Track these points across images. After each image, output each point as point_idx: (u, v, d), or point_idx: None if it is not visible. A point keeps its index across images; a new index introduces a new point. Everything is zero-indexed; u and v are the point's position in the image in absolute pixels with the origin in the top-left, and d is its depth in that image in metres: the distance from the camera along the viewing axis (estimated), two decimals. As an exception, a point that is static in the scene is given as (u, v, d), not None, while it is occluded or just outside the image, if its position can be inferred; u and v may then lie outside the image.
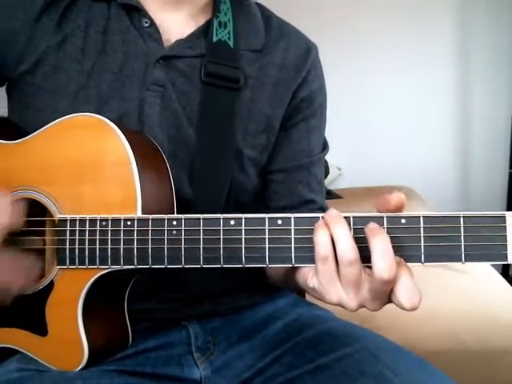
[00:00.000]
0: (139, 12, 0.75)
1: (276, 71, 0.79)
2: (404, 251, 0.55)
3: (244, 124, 0.77)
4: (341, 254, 0.54)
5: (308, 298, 1.01)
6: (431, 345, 1.26)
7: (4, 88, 0.79)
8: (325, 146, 0.86)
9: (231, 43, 0.77)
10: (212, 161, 0.74)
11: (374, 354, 0.69)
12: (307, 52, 0.82)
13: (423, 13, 2.83)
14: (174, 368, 0.76)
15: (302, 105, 0.81)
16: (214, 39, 0.76)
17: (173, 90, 0.74)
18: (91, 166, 0.66)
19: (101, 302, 0.67)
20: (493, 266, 1.78)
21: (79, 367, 0.66)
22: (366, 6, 2.80)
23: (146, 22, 0.75)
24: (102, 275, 0.64)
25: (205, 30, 0.77)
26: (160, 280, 0.75)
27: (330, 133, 0.87)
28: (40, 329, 0.67)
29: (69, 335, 0.65)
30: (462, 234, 0.54)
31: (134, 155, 0.64)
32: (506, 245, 0.53)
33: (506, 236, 0.53)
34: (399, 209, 0.55)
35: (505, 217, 0.53)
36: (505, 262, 0.53)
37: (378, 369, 0.66)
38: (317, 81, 0.83)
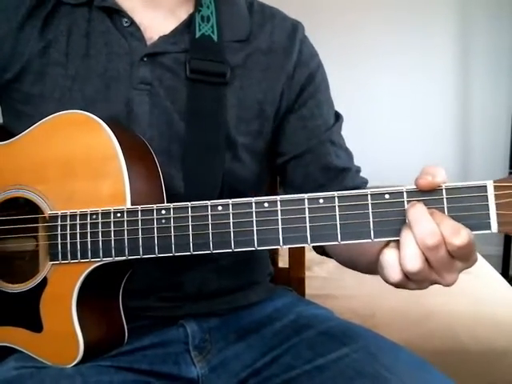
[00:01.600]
0: (118, 13, 0.75)
1: (263, 57, 0.79)
2: (388, 225, 0.56)
3: (235, 112, 0.77)
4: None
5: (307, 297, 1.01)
6: (431, 345, 1.26)
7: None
8: (338, 116, 0.85)
9: (215, 37, 0.76)
10: (203, 155, 0.74)
11: (373, 353, 0.68)
12: (293, 32, 0.81)
13: (423, 13, 2.84)
14: (170, 366, 0.76)
15: (305, 85, 0.80)
16: (197, 35, 0.76)
17: (160, 87, 0.74)
18: (80, 162, 0.67)
19: (95, 297, 0.68)
20: (493, 266, 1.78)
21: (75, 362, 0.66)
22: (366, 6, 2.82)
23: (126, 22, 0.75)
24: (94, 268, 0.65)
25: (188, 25, 0.77)
26: (158, 278, 0.76)
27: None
28: (35, 325, 0.68)
29: (64, 330, 0.66)
30: (445, 206, 0.54)
31: (122, 149, 0.65)
32: (489, 213, 0.53)
33: (487, 205, 0.53)
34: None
35: (486, 186, 0.54)
36: (488, 231, 0.54)
37: (375, 369, 0.66)
38: (311, 58, 0.82)
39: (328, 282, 1.54)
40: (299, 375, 0.70)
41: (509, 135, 2.74)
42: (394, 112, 2.90)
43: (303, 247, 1.06)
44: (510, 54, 2.85)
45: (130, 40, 0.75)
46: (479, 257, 1.95)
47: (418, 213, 0.53)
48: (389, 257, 0.55)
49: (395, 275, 0.54)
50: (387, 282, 0.57)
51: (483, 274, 1.64)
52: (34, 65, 0.74)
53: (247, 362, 0.76)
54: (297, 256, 1.06)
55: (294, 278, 1.04)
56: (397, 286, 0.57)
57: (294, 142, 0.81)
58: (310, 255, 1.07)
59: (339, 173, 0.82)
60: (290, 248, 1.07)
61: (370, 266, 0.68)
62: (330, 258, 0.84)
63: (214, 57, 0.76)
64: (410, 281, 0.55)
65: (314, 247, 0.88)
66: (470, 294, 1.45)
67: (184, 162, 0.74)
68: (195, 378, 0.76)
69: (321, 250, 0.84)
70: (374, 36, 2.83)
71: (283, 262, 1.10)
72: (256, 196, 0.79)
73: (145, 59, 0.75)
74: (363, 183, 0.84)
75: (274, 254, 1.09)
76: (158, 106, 0.74)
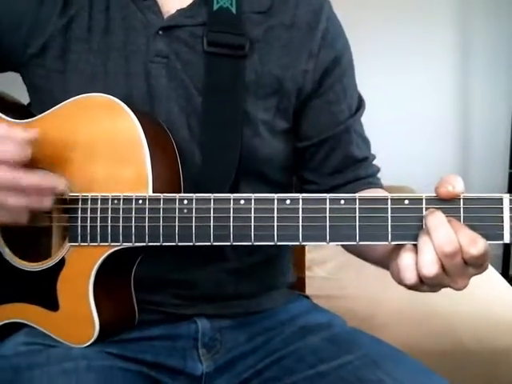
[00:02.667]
0: None
1: (285, 32, 0.76)
2: (406, 230, 0.58)
3: (254, 88, 0.75)
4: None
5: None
6: (431, 345, 1.27)
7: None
8: (360, 102, 0.84)
9: (233, 9, 0.75)
10: (221, 130, 0.73)
11: (375, 360, 0.69)
12: (320, 8, 0.78)
13: (423, 13, 2.82)
14: (176, 360, 0.76)
15: (330, 67, 0.78)
16: (215, 7, 0.74)
17: (177, 60, 0.74)
18: (103, 146, 0.67)
19: (110, 279, 0.69)
20: (493, 266, 1.81)
21: (89, 342, 0.68)
22: (365, 5, 2.80)
23: None
24: (112, 253, 0.66)
25: None
26: (174, 274, 0.75)
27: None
28: (51, 304, 0.69)
29: (80, 311, 0.67)
30: (462, 215, 0.57)
31: (145, 135, 0.66)
32: (503, 225, 0.56)
33: (502, 217, 0.56)
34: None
35: (502, 199, 0.56)
36: (501, 242, 0.57)
37: (377, 376, 0.67)
38: (339, 39, 0.80)
39: (328, 282, 1.52)
40: (300, 380, 0.71)
41: (509, 135, 2.74)
42: (393, 112, 2.88)
43: (304, 247, 1.07)
44: (510, 54, 2.86)
45: (147, 14, 0.75)
46: None
47: (437, 220, 0.55)
48: (406, 260, 0.57)
49: (412, 278, 0.57)
50: (401, 283, 0.59)
51: (483, 274, 1.65)
52: (58, 40, 0.74)
53: (250, 364, 0.76)
54: (297, 256, 1.05)
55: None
56: (410, 287, 0.59)
57: (319, 126, 0.79)
58: (310, 255, 1.07)
59: (357, 162, 0.82)
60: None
61: (378, 263, 0.71)
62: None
63: (233, 29, 0.74)
64: (423, 284, 0.58)
65: None
66: (470, 294, 1.41)
67: (202, 137, 0.73)
68: (199, 376, 0.76)
69: None
70: (373, 36, 2.80)
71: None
72: (281, 179, 0.81)
73: (160, 32, 0.74)
74: (376, 171, 0.85)
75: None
76: (175, 79, 0.74)
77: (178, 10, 0.75)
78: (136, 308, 0.73)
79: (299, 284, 1.05)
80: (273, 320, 0.81)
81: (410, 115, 2.89)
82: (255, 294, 0.82)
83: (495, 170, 2.84)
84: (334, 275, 1.57)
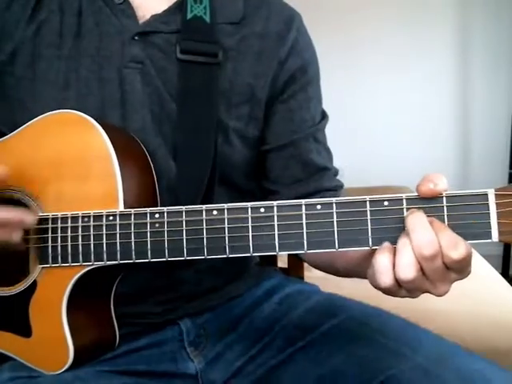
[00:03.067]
0: None
1: (257, 41, 0.77)
2: (387, 233, 0.54)
3: (227, 96, 0.75)
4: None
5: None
6: None
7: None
8: (324, 114, 0.84)
9: (207, 18, 0.75)
10: (194, 136, 0.73)
11: (361, 321, 0.70)
12: (290, 20, 0.79)
13: (423, 13, 2.83)
14: (167, 364, 0.75)
15: (296, 75, 0.78)
16: (189, 16, 0.74)
17: (152, 66, 0.73)
18: (72, 163, 0.65)
19: (86, 301, 0.67)
20: (493, 266, 1.78)
21: (65, 367, 0.65)
22: (365, 5, 2.81)
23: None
24: (85, 273, 0.64)
25: (180, 5, 0.75)
26: (155, 281, 0.75)
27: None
28: (24, 330, 0.66)
29: (53, 335, 0.65)
30: (446, 214, 0.53)
31: (115, 150, 0.64)
32: (490, 222, 0.52)
33: (488, 213, 0.52)
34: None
35: (487, 194, 0.53)
36: (489, 240, 0.53)
37: (367, 334, 0.68)
38: (307, 49, 0.81)
39: (327, 283, 1.52)
40: (293, 353, 0.71)
41: (509, 135, 2.73)
42: (393, 112, 2.89)
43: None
44: (510, 54, 2.85)
45: (121, 18, 0.74)
46: (479, 257, 1.94)
47: (416, 221, 0.52)
48: (382, 262, 0.53)
49: (387, 280, 0.53)
50: (377, 286, 0.56)
51: (483, 274, 1.64)
52: (27, 46, 0.73)
53: (241, 351, 0.76)
54: (297, 256, 1.04)
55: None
56: (387, 292, 0.56)
57: (278, 132, 0.79)
58: None
59: (318, 171, 0.81)
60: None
61: (351, 269, 0.68)
62: (304, 261, 0.84)
63: (206, 37, 0.74)
64: (401, 288, 0.54)
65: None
66: (471, 294, 1.44)
67: (175, 144, 0.73)
68: (193, 374, 0.76)
69: (294, 254, 0.84)
70: (372, 36, 2.81)
71: (282, 262, 1.09)
72: (249, 185, 0.80)
73: (136, 38, 0.73)
74: (339, 186, 0.84)
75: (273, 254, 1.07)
76: (150, 85, 0.73)
77: (152, 16, 0.74)
78: (117, 331, 0.70)
79: None
80: (250, 299, 0.82)
81: (410, 115, 2.89)
82: (231, 282, 0.82)
83: (495, 170, 2.82)
84: (332, 276, 1.56)
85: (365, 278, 0.59)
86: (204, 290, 0.79)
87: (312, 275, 1.58)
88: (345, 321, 0.71)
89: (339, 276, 0.78)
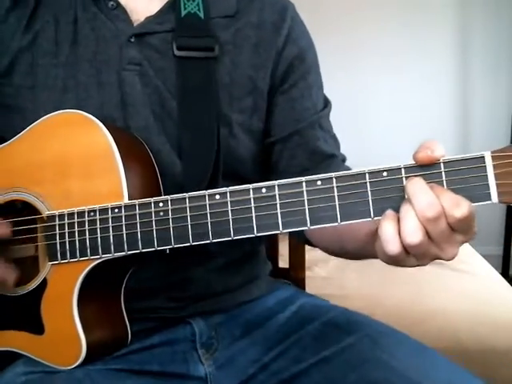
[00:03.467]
0: None
1: (254, 32, 0.78)
2: (387, 203, 0.55)
3: (228, 90, 0.76)
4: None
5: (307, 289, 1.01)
6: (431, 344, 1.23)
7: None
8: (327, 101, 0.84)
9: (201, 14, 0.76)
10: (197, 132, 0.73)
11: (374, 339, 0.69)
12: (283, 9, 0.80)
13: (423, 13, 2.86)
14: (179, 365, 0.75)
15: (294, 63, 0.79)
16: (183, 13, 0.75)
17: (149, 67, 0.74)
18: (76, 161, 0.66)
19: (96, 297, 0.67)
20: (493, 266, 1.78)
21: (78, 362, 0.65)
22: (365, 5, 2.84)
23: (112, 5, 0.75)
24: (94, 267, 0.64)
25: (173, 4, 0.77)
26: (166, 277, 0.76)
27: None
28: (36, 328, 0.67)
29: (65, 331, 0.65)
30: (444, 179, 0.54)
31: (118, 147, 0.65)
32: (488, 184, 0.53)
33: (486, 176, 0.53)
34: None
35: (483, 157, 0.53)
36: (489, 202, 0.53)
37: (376, 354, 0.67)
38: (303, 37, 0.81)
39: (328, 282, 1.54)
40: (307, 368, 0.70)
41: (509, 135, 2.74)
42: (392, 112, 2.91)
43: (303, 247, 1.05)
44: (510, 54, 2.87)
45: (116, 22, 0.75)
46: (479, 257, 1.94)
47: (416, 186, 0.53)
48: (387, 229, 0.53)
49: (394, 248, 0.53)
50: (385, 256, 0.55)
51: (483, 274, 1.65)
52: (24, 57, 0.75)
53: (254, 358, 0.75)
54: (297, 256, 1.06)
55: (294, 278, 1.04)
56: (395, 262, 0.55)
57: (282, 123, 0.80)
58: (310, 255, 1.07)
59: (325, 158, 0.81)
60: (290, 248, 1.07)
61: (362, 249, 0.67)
62: (314, 246, 0.82)
63: (201, 33, 0.75)
64: (409, 255, 0.54)
65: (291, 235, 0.88)
66: (470, 294, 1.46)
67: (179, 141, 0.73)
68: (203, 377, 0.75)
69: (303, 239, 0.82)
70: (373, 35, 2.83)
71: (283, 262, 1.09)
72: (256, 180, 0.79)
73: (132, 40, 0.75)
74: None
75: (274, 254, 1.08)
76: (149, 85, 0.74)
77: (146, 18, 0.76)
78: (128, 327, 0.71)
79: (299, 284, 1.04)
80: (263, 307, 0.82)
81: (410, 115, 2.89)
82: (243, 285, 0.82)
83: None
84: (333, 275, 1.59)
85: (375, 256, 0.59)
86: (215, 291, 0.80)
87: (313, 275, 1.59)
88: (360, 340, 0.70)
89: (350, 258, 0.77)
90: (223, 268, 0.80)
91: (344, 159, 0.84)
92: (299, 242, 0.87)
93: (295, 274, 1.03)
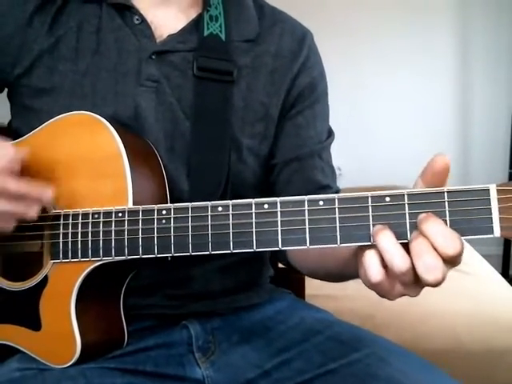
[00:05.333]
0: (130, 10, 0.77)
1: (271, 59, 0.79)
2: (390, 229, 0.54)
3: (241, 114, 0.77)
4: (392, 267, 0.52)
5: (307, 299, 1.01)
6: (431, 344, 1.26)
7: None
8: (330, 133, 0.86)
9: (223, 36, 0.77)
10: (208, 153, 0.74)
11: (383, 358, 0.69)
12: (302, 38, 0.82)
13: (423, 13, 2.86)
14: (175, 367, 0.75)
15: (304, 92, 0.81)
16: (205, 33, 0.77)
17: (167, 85, 0.75)
18: (84, 162, 0.67)
19: (96, 298, 0.68)
20: (493, 266, 1.77)
21: (71, 361, 0.66)
22: (365, 5, 2.84)
23: (137, 20, 0.77)
24: (95, 268, 0.65)
25: (196, 24, 0.78)
26: (164, 275, 0.76)
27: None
28: (34, 323, 0.68)
29: (62, 329, 0.66)
30: (447, 209, 0.53)
31: (126, 149, 0.66)
32: (491, 217, 0.52)
33: (490, 209, 0.52)
34: (444, 173, 0.53)
35: (488, 190, 0.52)
36: (491, 236, 0.52)
37: (388, 372, 0.66)
38: (316, 67, 0.83)
39: (328, 283, 1.52)
40: (312, 378, 0.70)
41: (509, 135, 2.73)
42: (393, 112, 2.91)
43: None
44: (510, 54, 2.85)
45: (139, 37, 0.76)
46: (479, 257, 1.93)
47: (437, 227, 0.51)
48: (368, 255, 0.53)
49: (377, 275, 0.52)
50: (369, 284, 0.54)
51: (483, 274, 1.64)
52: (44, 60, 0.76)
53: (254, 362, 0.75)
54: None
55: (293, 279, 1.03)
56: (380, 290, 0.55)
57: (285, 148, 0.81)
58: None
59: (319, 188, 0.81)
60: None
61: (341, 268, 0.67)
62: (295, 268, 0.83)
63: (222, 55, 0.77)
64: (395, 281, 0.53)
65: (278, 258, 0.88)
66: (470, 294, 1.45)
67: (188, 160, 0.74)
68: (201, 379, 0.75)
69: (285, 262, 0.83)
70: (373, 36, 2.85)
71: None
72: (256, 197, 0.80)
73: (153, 57, 0.76)
74: None
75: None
76: (164, 103, 0.75)
77: (169, 35, 0.77)
78: (126, 330, 0.72)
79: (299, 284, 1.04)
80: (262, 315, 0.82)
81: (410, 116, 2.90)
82: (241, 290, 0.82)
83: (495, 169, 2.81)
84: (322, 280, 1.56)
85: (356, 276, 0.58)
86: (212, 291, 0.80)
87: (313, 276, 1.57)
88: (367, 356, 0.70)
89: (335, 280, 0.78)
90: (222, 268, 0.80)
91: (338, 191, 0.84)
92: (281, 262, 0.87)
93: (295, 275, 1.01)
